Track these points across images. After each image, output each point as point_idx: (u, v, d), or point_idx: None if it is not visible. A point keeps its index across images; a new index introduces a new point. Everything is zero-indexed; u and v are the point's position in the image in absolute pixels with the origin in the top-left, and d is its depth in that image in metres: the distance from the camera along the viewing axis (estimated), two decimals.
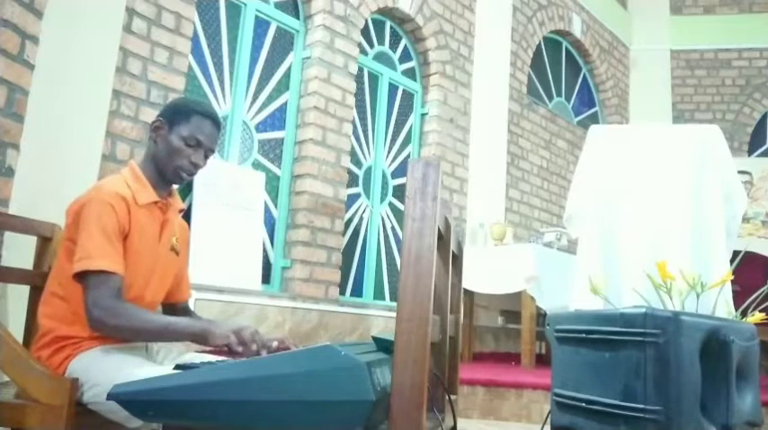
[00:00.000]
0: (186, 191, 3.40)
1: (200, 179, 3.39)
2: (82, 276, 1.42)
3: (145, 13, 3.07)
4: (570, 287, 2.54)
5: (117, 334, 1.45)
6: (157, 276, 1.63)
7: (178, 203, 1.74)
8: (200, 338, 1.41)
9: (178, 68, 3.20)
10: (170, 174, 1.64)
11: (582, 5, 6.57)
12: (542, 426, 1.81)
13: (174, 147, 1.61)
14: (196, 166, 1.65)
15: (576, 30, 6.46)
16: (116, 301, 1.41)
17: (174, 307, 1.82)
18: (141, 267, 1.56)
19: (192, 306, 3.30)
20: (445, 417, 1.35)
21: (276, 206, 3.90)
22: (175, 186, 1.73)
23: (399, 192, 4.70)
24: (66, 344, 1.47)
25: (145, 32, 3.07)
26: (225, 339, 1.37)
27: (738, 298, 2.19)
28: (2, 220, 1.93)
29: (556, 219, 5.93)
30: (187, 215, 3.33)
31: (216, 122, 1.67)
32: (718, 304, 1.98)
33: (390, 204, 4.68)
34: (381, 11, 4.60)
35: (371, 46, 4.64)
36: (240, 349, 1.37)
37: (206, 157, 1.68)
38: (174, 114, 1.63)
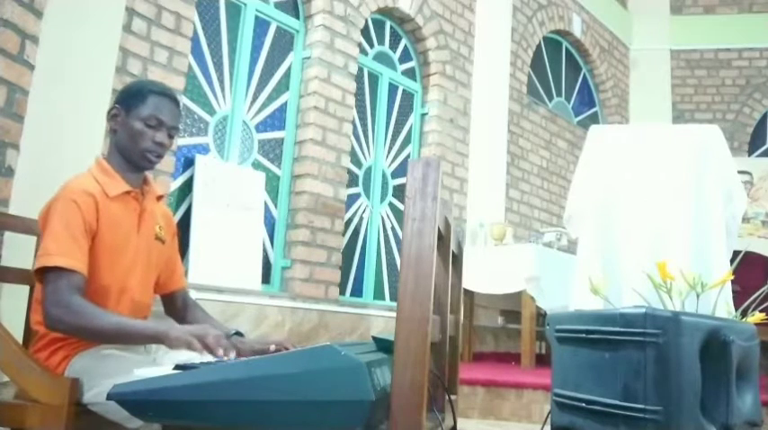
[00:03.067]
0: (186, 191, 3.40)
1: (200, 179, 3.39)
2: (41, 274, 1.38)
3: (145, 13, 3.07)
4: (570, 287, 2.54)
5: (74, 333, 1.40)
6: (140, 268, 1.58)
7: (156, 190, 1.68)
8: (157, 340, 1.35)
9: (178, 68, 3.20)
10: (137, 159, 1.57)
11: (582, 5, 6.57)
12: (542, 426, 1.81)
13: (136, 130, 1.55)
14: (161, 146, 1.58)
15: (576, 30, 6.46)
16: (75, 299, 1.36)
17: (172, 296, 1.78)
18: (121, 261, 1.52)
19: None
20: (445, 417, 1.35)
21: (276, 206, 3.90)
22: (150, 174, 1.68)
23: (399, 192, 4.70)
24: (64, 344, 1.46)
25: (145, 32, 3.07)
26: (184, 343, 1.29)
27: (738, 298, 2.19)
28: (2, 220, 1.93)
29: (556, 219, 5.93)
30: (187, 215, 3.33)
31: (173, 99, 1.61)
32: (718, 304, 1.98)
33: (390, 204, 4.68)
34: (381, 11, 4.60)
35: (371, 46, 4.64)
36: (204, 353, 1.28)
37: (170, 137, 1.60)
38: (129, 98, 1.57)
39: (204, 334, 1.30)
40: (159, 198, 1.71)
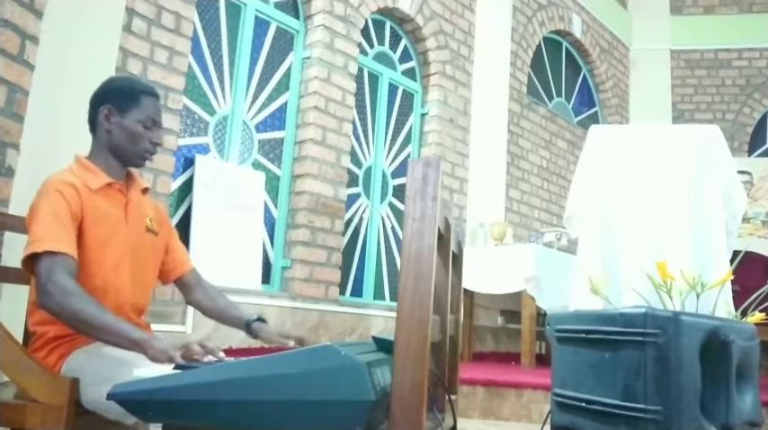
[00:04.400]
0: (186, 191, 3.40)
1: (200, 179, 3.39)
2: (32, 261, 1.36)
3: (145, 13, 3.07)
4: (570, 287, 2.54)
5: (61, 315, 1.34)
6: (129, 262, 1.55)
7: (139, 183, 1.68)
8: (138, 348, 1.29)
9: (178, 68, 3.20)
10: (134, 159, 1.60)
11: (582, 5, 6.57)
12: (542, 426, 1.81)
13: (133, 132, 1.56)
14: (157, 146, 1.63)
15: (576, 30, 6.46)
16: (70, 280, 1.33)
17: (182, 280, 1.78)
18: (108, 254, 1.50)
19: None
20: (445, 417, 1.35)
21: (276, 206, 3.90)
22: (133, 169, 1.68)
23: (399, 192, 4.70)
24: (61, 342, 1.46)
25: (145, 32, 3.07)
26: (164, 356, 1.24)
27: (738, 298, 2.19)
28: (2, 220, 1.93)
29: (556, 219, 5.93)
30: (187, 215, 3.33)
31: (158, 96, 1.65)
32: (718, 304, 1.98)
33: (390, 204, 4.68)
34: (381, 11, 4.60)
35: (371, 46, 4.64)
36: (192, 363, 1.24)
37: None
38: (121, 99, 1.58)
39: (188, 349, 1.26)
40: (144, 191, 1.70)
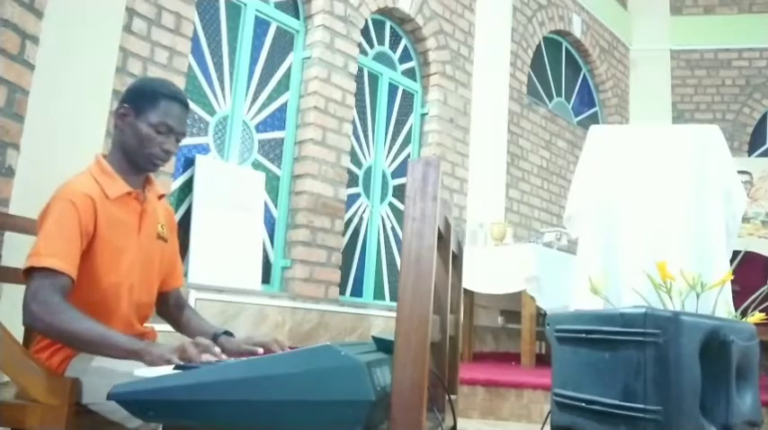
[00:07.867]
0: (186, 191, 3.40)
1: (200, 179, 3.39)
2: (28, 273, 1.37)
3: (145, 13, 3.07)
4: (570, 287, 2.54)
5: (49, 333, 1.37)
6: (139, 268, 1.55)
7: (157, 189, 1.66)
8: (135, 357, 1.30)
9: (178, 68, 3.20)
10: (142, 162, 1.55)
11: (582, 5, 6.57)
12: (542, 426, 1.81)
13: (144, 134, 1.51)
14: (168, 153, 1.55)
15: (576, 30, 6.46)
16: (57, 299, 1.33)
17: (167, 294, 1.74)
18: (120, 262, 1.50)
19: (192, 304, 3.29)
20: (445, 417, 1.35)
21: (276, 206, 3.90)
22: (152, 174, 1.66)
23: (399, 192, 4.70)
24: (64, 345, 1.45)
25: (145, 32, 3.07)
26: (162, 361, 1.25)
27: (738, 298, 2.19)
28: (2, 220, 1.93)
29: (556, 219, 5.93)
30: (187, 215, 3.33)
31: (184, 104, 1.58)
32: (719, 304, 1.98)
33: (390, 204, 4.68)
34: (381, 11, 4.60)
35: (371, 46, 4.64)
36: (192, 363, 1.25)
37: (177, 142, 1.58)
38: (140, 99, 1.53)
39: (184, 349, 1.27)
40: (161, 197, 1.69)
